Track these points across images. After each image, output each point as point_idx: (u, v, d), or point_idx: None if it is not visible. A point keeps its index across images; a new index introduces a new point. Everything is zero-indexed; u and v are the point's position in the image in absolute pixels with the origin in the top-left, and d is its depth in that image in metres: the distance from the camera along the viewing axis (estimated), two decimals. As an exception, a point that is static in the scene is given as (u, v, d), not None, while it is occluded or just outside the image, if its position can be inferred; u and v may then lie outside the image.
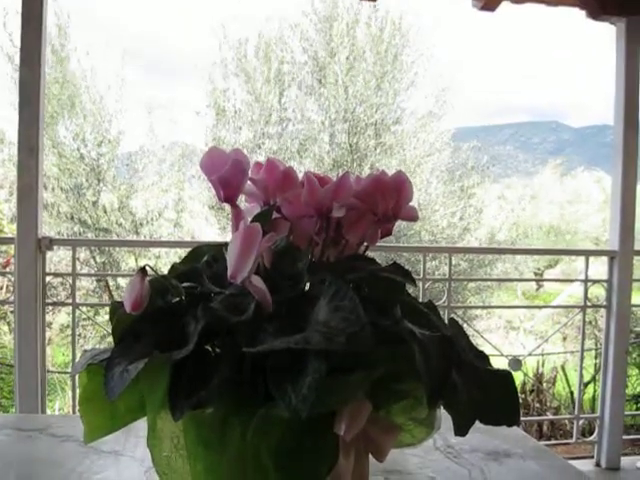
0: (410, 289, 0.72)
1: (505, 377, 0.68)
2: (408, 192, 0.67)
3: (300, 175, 0.72)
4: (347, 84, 6.78)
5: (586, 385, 4.50)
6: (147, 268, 0.64)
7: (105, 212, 6.50)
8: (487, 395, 0.66)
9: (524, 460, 1.00)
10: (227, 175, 0.65)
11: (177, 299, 0.67)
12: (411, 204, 0.68)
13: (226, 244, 0.69)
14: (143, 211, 6.72)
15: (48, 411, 4.21)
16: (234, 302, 0.62)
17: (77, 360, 0.70)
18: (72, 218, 6.35)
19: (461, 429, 0.67)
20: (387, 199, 0.66)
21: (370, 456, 0.70)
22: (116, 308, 0.68)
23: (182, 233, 6.87)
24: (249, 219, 0.70)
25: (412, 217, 0.70)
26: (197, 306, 0.63)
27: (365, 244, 0.73)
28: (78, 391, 0.70)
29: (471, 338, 0.74)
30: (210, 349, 0.65)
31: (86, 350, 0.73)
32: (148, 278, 0.64)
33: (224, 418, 0.62)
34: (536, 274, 9.50)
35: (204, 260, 0.71)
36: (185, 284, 0.69)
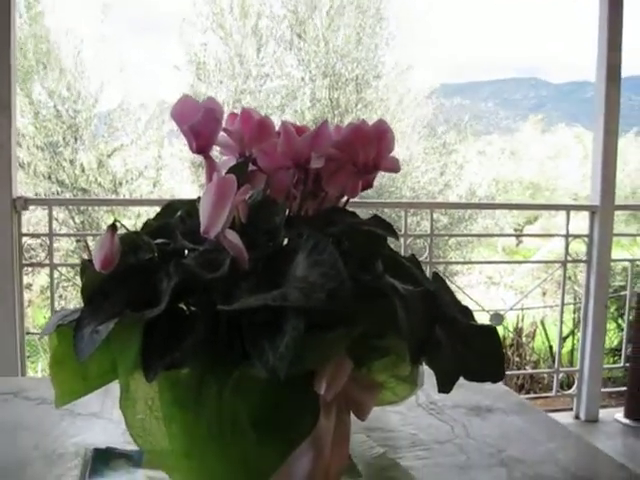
0: (392, 243, 0.69)
1: (489, 332, 0.66)
2: (389, 142, 0.64)
3: (277, 126, 0.69)
4: (328, 38, 6.67)
5: (565, 339, 4.55)
6: (117, 224, 0.61)
7: (83, 171, 6.40)
8: (471, 351, 0.64)
9: (507, 415, 0.99)
10: (199, 124, 0.61)
11: (149, 256, 0.64)
12: (392, 155, 0.65)
13: (200, 199, 0.66)
14: (122, 170, 6.62)
15: (30, 372, 4.19)
16: (208, 258, 0.59)
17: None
18: (49, 177, 6.25)
19: (445, 386, 0.65)
20: (368, 149, 0.63)
21: (352, 414, 0.69)
22: (86, 267, 0.65)
23: (162, 192, 6.80)
24: (224, 172, 0.67)
25: (394, 168, 0.67)
26: (170, 263, 0.60)
27: (345, 197, 0.70)
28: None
29: (452, 294, 0.72)
30: (184, 307, 0.63)
31: (56, 311, 0.70)
32: (119, 235, 0.61)
33: (200, 378, 0.60)
34: (516, 230, 9.54)
35: (177, 216, 0.68)
36: (158, 241, 0.66)
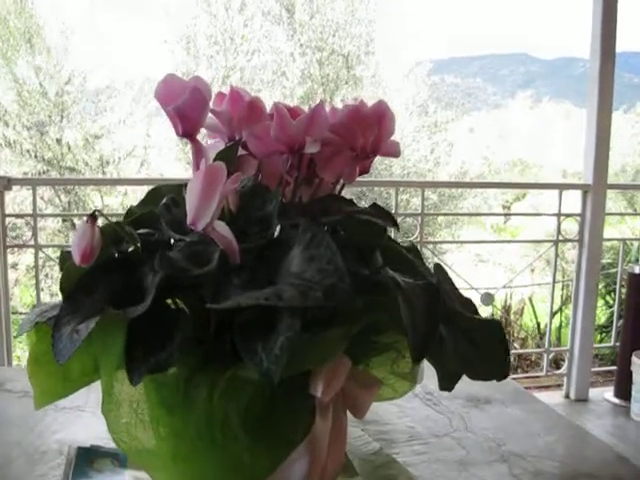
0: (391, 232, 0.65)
1: (494, 326, 0.63)
2: (390, 125, 0.60)
3: (268, 107, 0.65)
4: (318, 13, 6.56)
5: (553, 315, 4.55)
6: (97, 214, 0.57)
7: (70, 150, 6.30)
8: (475, 347, 0.61)
9: (505, 406, 0.96)
10: (185, 106, 0.57)
11: (132, 248, 0.60)
12: (392, 138, 0.61)
13: (187, 184, 0.62)
14: (109, 148, 6.52)
15: (19, 351, 4.15)
16: (196, 251, 0.55)
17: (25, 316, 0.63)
18: (35, 156, 6.15)
19: (446, 385, 0.62)
20: (366, 133, 0.59)
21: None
22: (65, 258, 0.61)
23: (150, 170, 6.71)
24: (211, 156, 0.63)
25: (394, 152, 0.63)
26: (154, 256, 0.56)
27: (340, 183, 0.66)
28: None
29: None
30: (171, 302, 0.59)
31: (35, 305, 0.66)
32: (99, 225, 0.57)
33: (188, 378, 0.56)
34: (504, 207, 9.53)
35: (162, 203, 0.63)
36: (141, 231, 0.62)
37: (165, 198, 0.64)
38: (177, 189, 0.68)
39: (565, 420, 0.94)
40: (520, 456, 0.81)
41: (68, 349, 0.52)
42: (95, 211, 0.57)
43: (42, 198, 5.82)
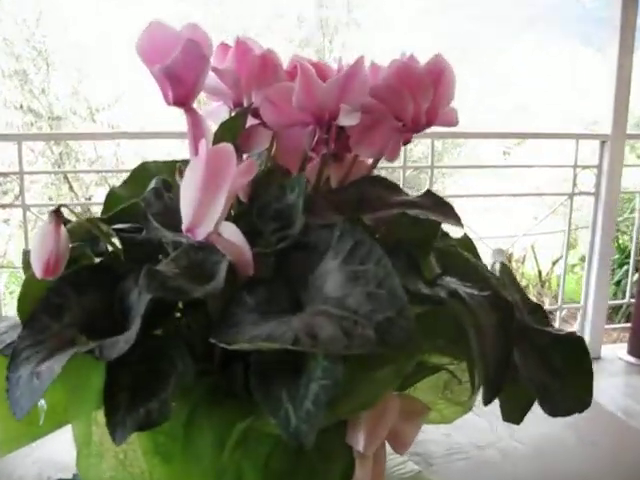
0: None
1: (575, 344, 0.50)
2: (449, 87, 0.45)
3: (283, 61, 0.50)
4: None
5: (554, 264, 4.46)
6: (64, 209, 0.43)
7: (57, 99, 6.06)
8: (552, 372, 0.48)
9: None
10: (177, 65, 0.42)
11: (111, 252, 0.46)
12: (452, 105, 0.47)
13: (183, 163, 0.48)
14: (99, 96, 6.28)
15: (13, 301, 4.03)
16: (195, 261, 0.41)
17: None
18: (21, 107, 5.92)
19: (513, 418, 0.49)
20: (419, 97, 0.44)
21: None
22: (29, 262, 0.47)
23: (144, 118, 6.48)
24: (213, 125, 0.48)
25: (451, 121, 0.48)
26: (141, 263, 0.42)
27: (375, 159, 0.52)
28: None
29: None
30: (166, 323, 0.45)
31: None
32: (67, 225, 0.43)
33: (189, 422, 0.43)
34: (505, 153, 9.34)
35: (151, 188, 0.49)
36: (126, 225, 0.48)
37: (154, 180, 0.50)
38: (169, 167, 0.54)
39: (623, 424, 0.82)
40: (579, 475, 0.69)
41: (27, 399, 0.39)
42: (60, 206, 0.43)
43: (32, 150, 5.63)
